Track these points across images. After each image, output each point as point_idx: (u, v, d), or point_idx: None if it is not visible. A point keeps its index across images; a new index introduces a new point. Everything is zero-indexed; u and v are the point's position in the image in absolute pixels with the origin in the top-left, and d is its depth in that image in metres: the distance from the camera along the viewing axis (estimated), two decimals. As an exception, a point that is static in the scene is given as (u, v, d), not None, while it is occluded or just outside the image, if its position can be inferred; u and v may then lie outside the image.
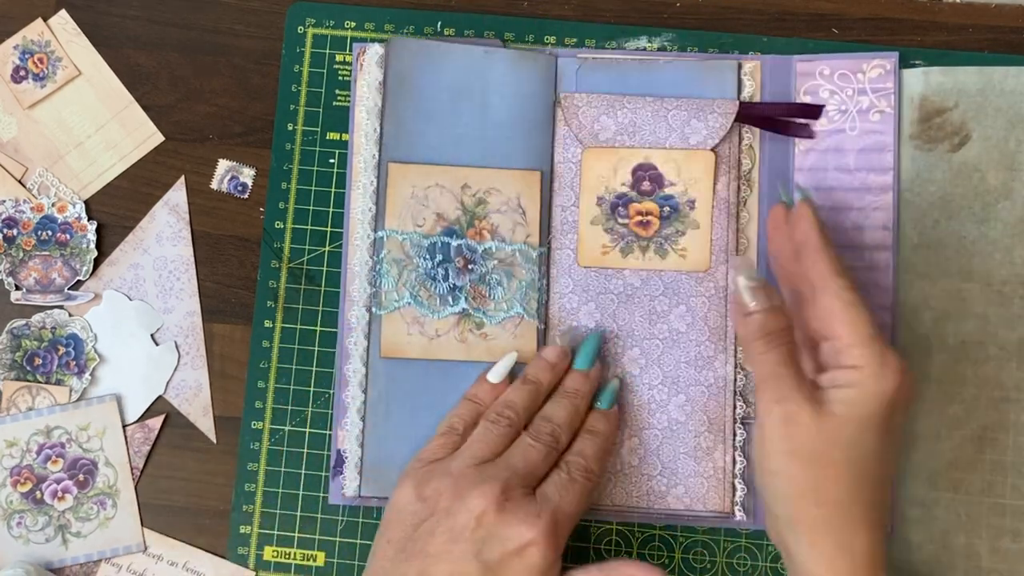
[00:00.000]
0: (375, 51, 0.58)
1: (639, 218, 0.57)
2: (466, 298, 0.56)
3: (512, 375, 0.55)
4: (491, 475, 0.50)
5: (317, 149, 0.60)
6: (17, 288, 0.60)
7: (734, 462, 0.55)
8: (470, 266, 0.56)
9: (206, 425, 0.59)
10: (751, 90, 0.58)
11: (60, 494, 0.58)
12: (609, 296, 0.57)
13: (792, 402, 0.47)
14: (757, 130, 0.58)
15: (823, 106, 0.57)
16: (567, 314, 0.57)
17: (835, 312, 0.48)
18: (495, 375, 0.55)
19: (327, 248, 0.60)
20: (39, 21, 0.62)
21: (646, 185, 0.57)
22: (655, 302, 0.56)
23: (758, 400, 0.49)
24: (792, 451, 0.48)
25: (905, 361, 0.47)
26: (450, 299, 0.56)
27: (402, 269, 0.56)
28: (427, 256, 0.56)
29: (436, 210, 0.56)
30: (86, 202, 0.61)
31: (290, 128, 0.61)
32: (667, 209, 0.57)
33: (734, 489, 0.55)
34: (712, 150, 0.57)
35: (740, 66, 0.58)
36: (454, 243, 0.56)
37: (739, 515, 0.55)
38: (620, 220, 0.57)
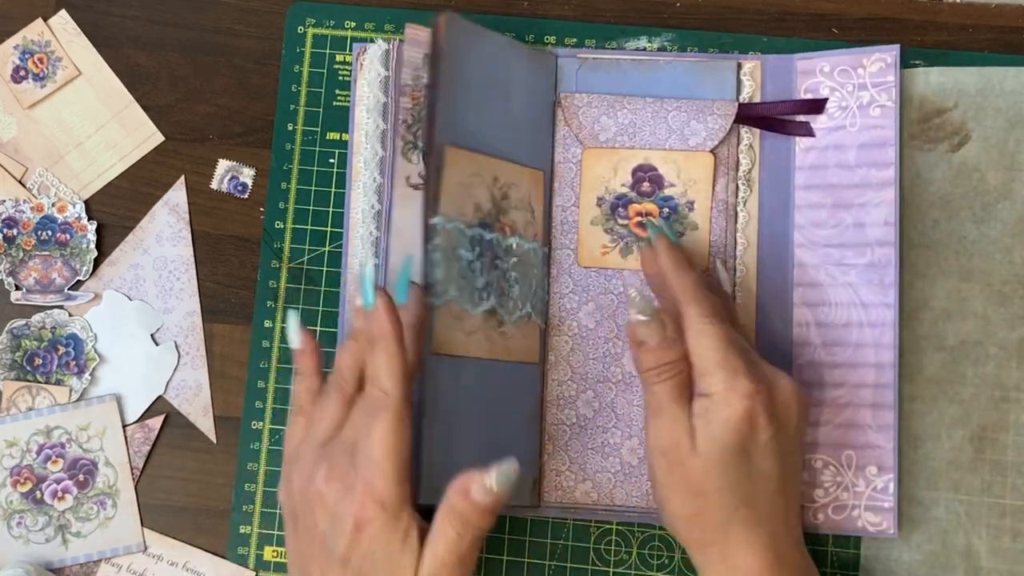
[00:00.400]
0: (377, 48, 0.58)
1: (639, 219, 0.57)
2: (494, 295, 0.55)
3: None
4: (320, 455, 0.49)
5: (317, 149, 0.60)
6: (17, 288, 0.60)
7: None
8: (495, 261, 0.55)
9: (206, 425, 0.59)
10: (751, 90, 0.58)
11: (60, 494, 0.58)
12: (609, 296, 0.57)
13: (669, 436, 0.49)
14: (757, 130, 0.58)
15: (826, 99, 0.57)
16: (567, 314, 0.57)
17: (689, 341, 0.50)
18: (292, 341, 0.53)
19: (327, 248, 0.60)
20: (39, 21, 0.62)
21: (646, 186, 0.57)
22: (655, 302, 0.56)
23: (645, 430, 0.51)
24: (672, 481, 0.50)
25: (756, 384, 0.48)
26: (485, 295, 0.54)
27: (448, 260, 0.52)
28: (468, 248, 0.53)
29: (474, 201, 0.55)
30: (86, 202, 0.61)
31: (290, 128, 0.61)
32: (666, 210, 0.57)
33: None
34: (711, 152, 0.57)
35: (740, 66, 0.58)
36: (487, 236, 0.54)
37: None
38: (620, 221, 0.57)
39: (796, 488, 0.51)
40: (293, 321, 0.53)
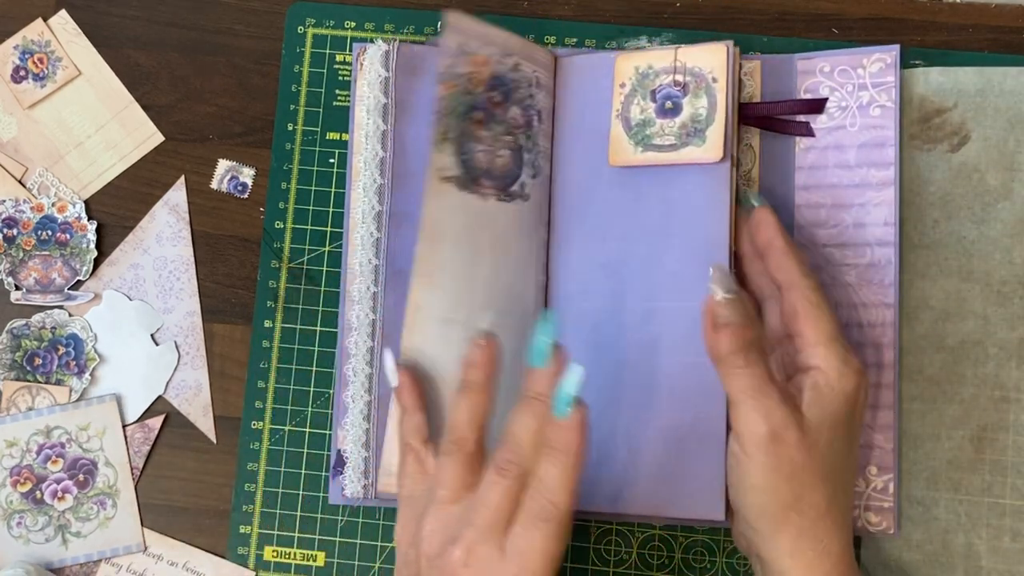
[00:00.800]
0: (377, 49, 0.58)
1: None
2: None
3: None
4: (460, 533, 0.45)
5: (317, 149, 0.60)
6: (17, 288, 0.60)
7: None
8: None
9: (206, 425, 0.59)
10: (751, 90, 0.58)
11: (60, 494, 0.58)
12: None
13: (778, 418, 0.47)
14: (757, 130, 0.58)
15: (826, 99, 0.57)
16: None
17: (800, 312, 0.49)
18: (392, 380, 0.52)
19: (327, 248, 0.60)
20: (39, 21, 0.62)
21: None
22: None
23: (737, 415, 0.48)
24: (777, 467, 0.47)
25: (862, 364, 0.49)
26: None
27: None
28: None
29: None
30: (86, 202, 0.61)
31: (290, 128, 0.61)
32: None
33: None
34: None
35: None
36: None
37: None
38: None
39: (844, 501, 0.50)
40: (389, 360, 0.52)
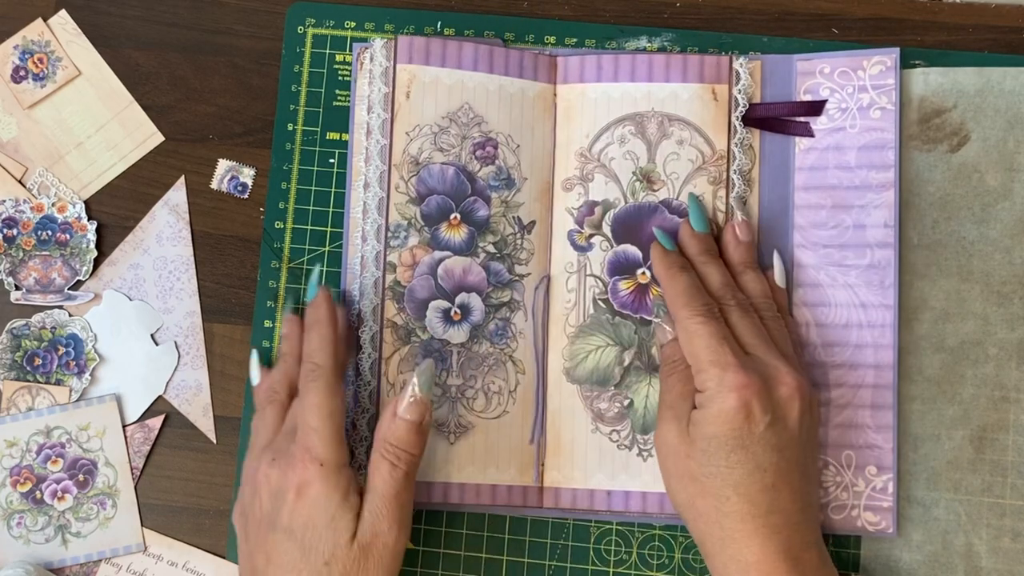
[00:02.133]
0: (377, 48, 0.58)
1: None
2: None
3: None
4: (265, 450, 0.52)
5: (317, 149, 0.60)
6: (17, 288, 0.60)
7: None
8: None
9: (206, 425, 0.59)
10: (751, 90, 0.58)
11: (60, 494, 0.58)
12: None
13: (672, 427, 0.51)
14: (757, 130, 0.58)
15: (825, 102, 0.57)
16: None
17: (682, 342, 0.52)
18: (253, 378, 0.57)
19: (327, 248, 0.60)
20: (39, 21, 0.62)
21: None
22: None
23: (656, 424, 0.53)
24: (671, 471, 0.52)
25: (748, 377, 0.49)
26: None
27: None
28: None
29: None
30: (86, 202, 0.61)
31: (290, 128, 0.61)
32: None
33: None
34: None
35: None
36: None
37: None
38: None
39: (804, 485, 0.51)
40: (255, 359, 0.57)
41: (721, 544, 0.50)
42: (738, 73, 0.57)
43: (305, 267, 0.60)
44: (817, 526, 0.51)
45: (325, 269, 0.59)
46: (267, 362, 0.59)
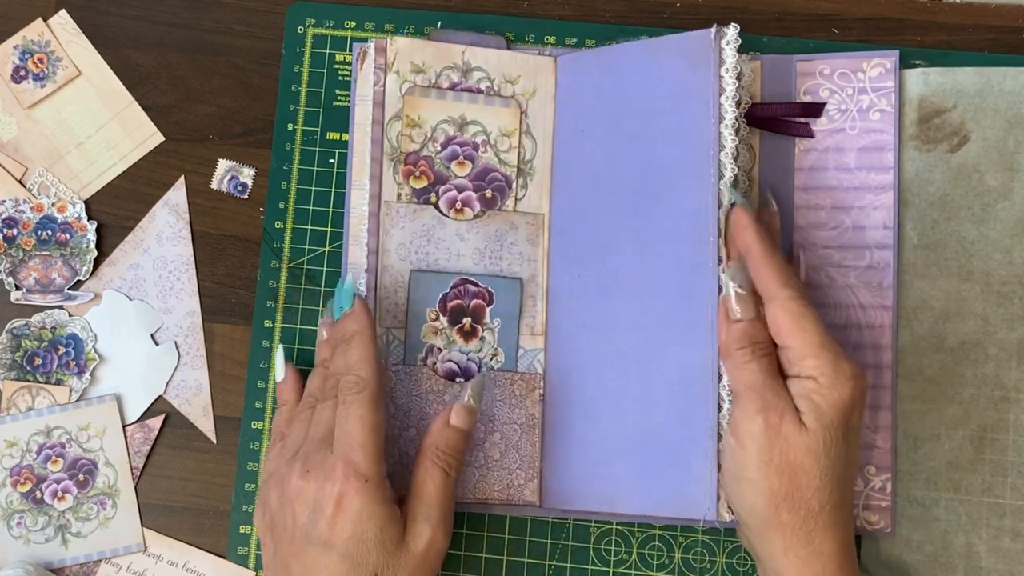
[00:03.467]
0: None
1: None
2: None
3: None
4: (296, 457, 0.51)
5: (317, 149, 0.60)
6: (17, 288, 0.60)
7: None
8: None
9: (206, 425, 0.59)
10: (751, 90, 0.58)
11: (60, 494, 0.58)
12: None
13: (774, 412, 0.48)
14: (757, 130, 0.58)
15: (824, 104, 0.57)
16: None
17: (784, 324, 0.49)
18: (277, 374, 0.57)
19: (327, 248, 0.60)
20: (39, 21, 0.62)
21: None
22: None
23: (737, 408, 0.50)
24: (770, 461, 0.48)
25: (856, 363, 0.49)
26: None
27: None
28: None
29: None
30: (86, 202, 0.61)
31: (290, 128, 0.61)
32: None
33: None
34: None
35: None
36: None
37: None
38: None
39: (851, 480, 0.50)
40: (280, 354, 0.57)
41: (808, 537, 0.48)
42: (740, 71, 0.57)
43: (305, 267, 0.60)
44: None
45: (325, 270, 0.59)
46: (269, 363, 0.59)
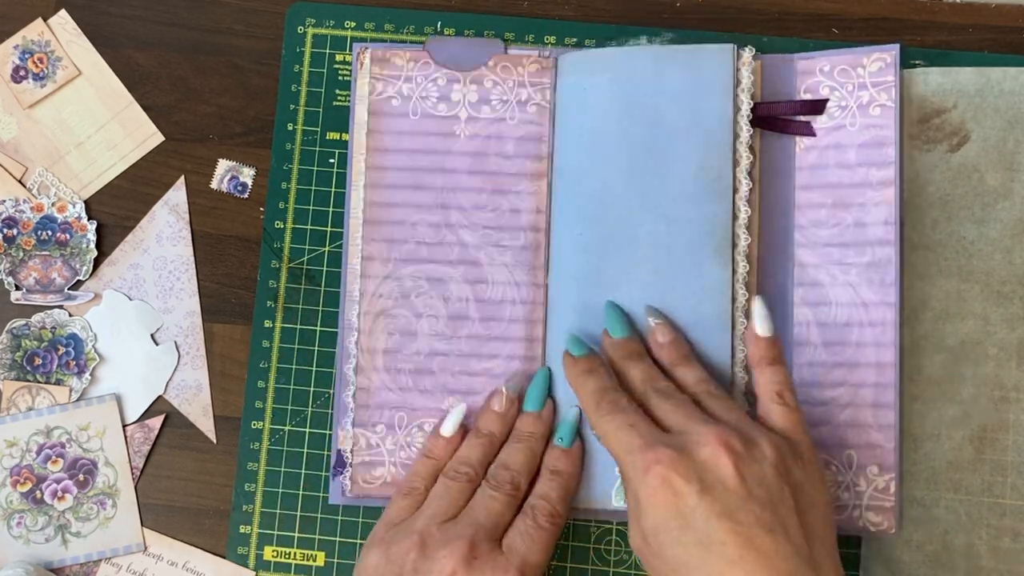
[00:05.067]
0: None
1: None
2: None
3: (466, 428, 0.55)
4: (456, 533, 0.50)
5: (317, 149, 0.60)
6: (17, 288, 0.60)
7: None
8: None
9: (206, 425, 0.59)
10: (751, 90, 0.58)
11: (60, 494, 0.58)
12: None
13: (633, 530, 0.49)
14: (757, 129, 0.58)
15: (827, 100, 0.57)
16: None
17: (603, 442, 0.51)
18: (447, 428, 0.55)
19: (327, 248, 0.60)
20: (39, 21, 0.62)
21: None
22: None
23: None
24: (648, 562, 0.49)
25: (656, 452, 0.46)
26: None
27: None
28: None
29: None
30: (86, 202, 0.61)
31: (290, 128, 0.61)
32: None
33: None
34: None
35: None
36: None
37: None
38: None
39: (785, 541, 0.45)
40: (460, 412, 0.55)
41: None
42: (741, 73, 0.57)
43: (305, 267, 0.60)
44: (828, 552, 0.47)
45: (325, 270, 0.59)
46: (269, 363, 0.59)
